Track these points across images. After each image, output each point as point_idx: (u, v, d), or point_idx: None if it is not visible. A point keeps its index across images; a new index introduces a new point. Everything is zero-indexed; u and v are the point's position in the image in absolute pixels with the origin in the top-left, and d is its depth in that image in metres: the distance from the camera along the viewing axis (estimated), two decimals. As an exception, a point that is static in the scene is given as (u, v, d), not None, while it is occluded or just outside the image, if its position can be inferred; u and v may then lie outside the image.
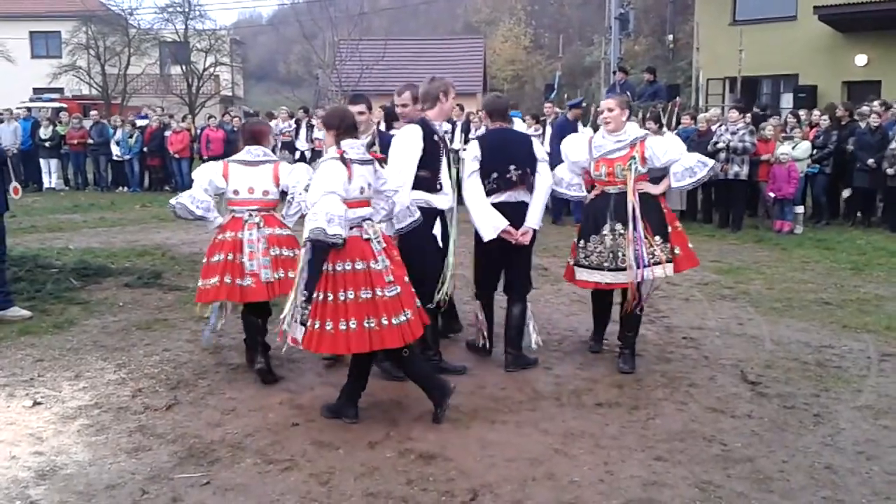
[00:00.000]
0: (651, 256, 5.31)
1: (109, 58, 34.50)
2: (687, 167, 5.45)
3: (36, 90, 32.92)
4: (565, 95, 19.67)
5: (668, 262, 5.35)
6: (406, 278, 4.51)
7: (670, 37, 30.31)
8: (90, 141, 18.52)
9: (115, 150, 18.33)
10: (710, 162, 5.57)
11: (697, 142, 12.56)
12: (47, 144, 18.33)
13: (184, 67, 34.49)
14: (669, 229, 5.42)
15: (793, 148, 12.02)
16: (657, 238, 5.35)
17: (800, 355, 5.91)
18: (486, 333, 5.78)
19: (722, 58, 19.30)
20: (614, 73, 18.10)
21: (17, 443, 4.31)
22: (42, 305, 7.13)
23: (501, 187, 5.42)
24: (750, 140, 11.94)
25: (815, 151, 12.45)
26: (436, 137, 5.23)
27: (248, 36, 50.10)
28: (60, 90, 33.82)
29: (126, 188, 18.42)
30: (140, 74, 34.73)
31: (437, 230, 5.26)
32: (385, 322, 4.30)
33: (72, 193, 18.08)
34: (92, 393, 5.08)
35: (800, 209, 12.23)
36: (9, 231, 6.98)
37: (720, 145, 12.02)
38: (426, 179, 5.15)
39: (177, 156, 17.71)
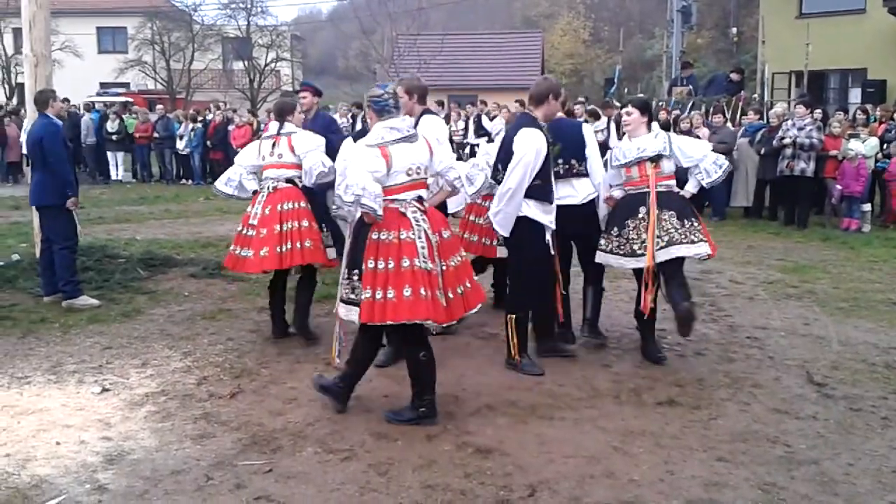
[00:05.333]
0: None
1: (174, 53, 35.29)
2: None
3: (102, 84, 33.79)
4: (625, 90, 19.44)
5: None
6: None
7: (734, 30, 29.68)
8: (156, 135, 18.97)
9: (180, 144, 18.74)
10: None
11: (767, 137, 12.31)
12: (114, 138, 18.83)
13: (246, 63, 35.03)
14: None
15: (861, 144, 11.68)
16: None
17: (867, 357, 5.75)
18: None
19: (788, 51, 18.81)
20: (683, 67, 17.75)
21: (87, 428, 4.45)
22: (110, 294, 7.33)
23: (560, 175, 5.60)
24: (817, 136, 11.64)
25: (885, 146, 12.07)
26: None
27: (307, 31, 50.64)
28: (126, 85, 34.67)
29: (191, 181, 18.81)
30: (203, 69, 35.42)
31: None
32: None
33: (138, 186, 18.52)
34: (158, 380, 5.22)
35: (867, 207, 11.87)
36: (78, 222, 7.18)
37: (787, 141, 11.74)
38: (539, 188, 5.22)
39: (240, 150, 17.96)
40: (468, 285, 4.53)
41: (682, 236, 5.39)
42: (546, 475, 3.88)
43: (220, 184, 6.14)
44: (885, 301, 7.39)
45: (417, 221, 4.28)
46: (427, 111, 5.84)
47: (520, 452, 4.14)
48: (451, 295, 4.37)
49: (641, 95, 11.86)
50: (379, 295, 4.19)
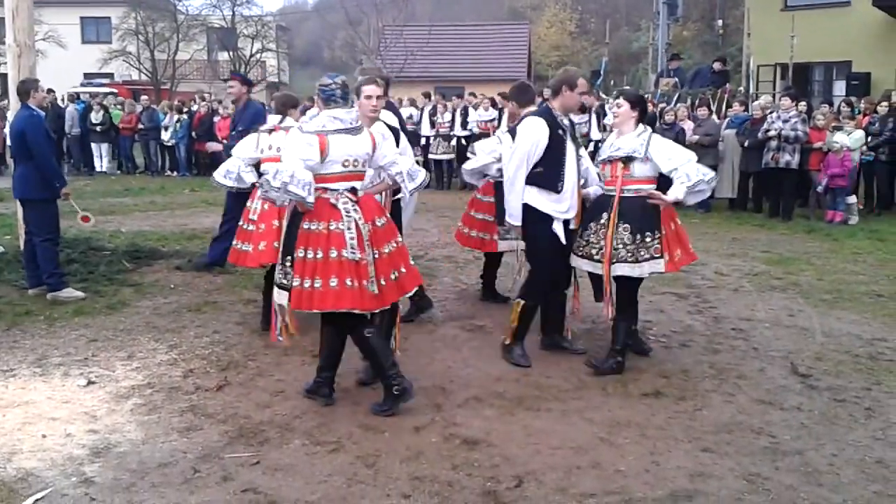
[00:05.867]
0: None
1: (158, 43, 35.06)
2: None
3: (86, 75, 33.53)
4: (612, 82, 19.47)
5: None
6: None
7: (720, 22, 29.79)
8: (140, 126, 18.83)
9: (165, 135, 18.63)
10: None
11: (751, 129, 12.37)
12: (98, 129, 18.67)
13: (231, 53, 34.87)
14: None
15: (847, 136, 11.74)
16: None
17: (851, 348, 5.80)
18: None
19: (773, 44, 18.86)
20: (670, 59, 17.79)
21: (73, 421, 4.43)
22: (95, 287, 7.29)
23: None
24: (802, 128, 11.71)
25: (869, 139, 12.15)
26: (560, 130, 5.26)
27: (293, 22, 50.36)
28: (111, 75, 34.41)
29: (176, 173, 18.70)
30: (188, 60, 35.21)
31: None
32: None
33: (123, 177, 18.39)
34: (144, 373, 5.20)
35: (852, 199, 11.94)
36: (62, 214, 7.13)
37: (772, 133, 11.80)
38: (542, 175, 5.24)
39: (225, 141, 17.84)
40: (403, 270, 4.57)
41: (629, 254, 5.05)
42: (533, 466, 3.91)
43: (219, 176, 6.14)
44: (869, 293, 7.45)
45: (348, 212, 4.33)
46: (386, 104, 5.82)
47: (507, 444, 4.16)
48: (383, 282, 4.42)
49: (628, 88, 11.84)
50: (307, 284, 4.30)
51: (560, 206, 5.27)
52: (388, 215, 4.72)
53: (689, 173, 5.04)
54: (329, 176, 4.35)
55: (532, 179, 5.22)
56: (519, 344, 5.45)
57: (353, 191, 4.44)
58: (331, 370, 4.72)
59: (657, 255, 5.06)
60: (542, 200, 5.23)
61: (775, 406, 4.70)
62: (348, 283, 4.26)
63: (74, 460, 3.95)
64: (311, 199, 4.23)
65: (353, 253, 4.28)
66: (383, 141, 4.65)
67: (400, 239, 4.67)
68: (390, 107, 5.92)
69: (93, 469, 3.86)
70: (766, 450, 4.11)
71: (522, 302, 5.40)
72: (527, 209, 5.26)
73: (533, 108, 5.89)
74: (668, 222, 5.14)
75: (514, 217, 5.31)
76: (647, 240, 5.06)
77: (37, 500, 3.57)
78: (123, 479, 3.76)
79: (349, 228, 4.29)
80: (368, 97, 4.86)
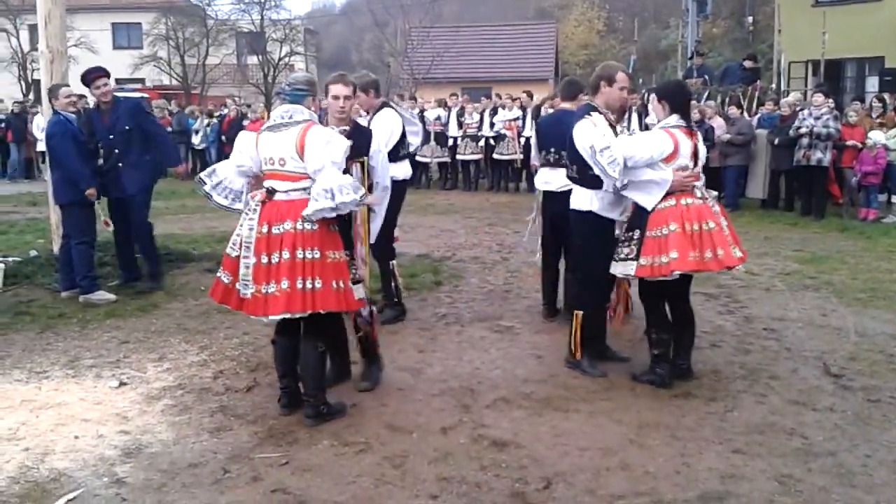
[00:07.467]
0: None
1: (188, 48, 35.36)
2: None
3: (118, 80, 33.92)
4: (640, 80, 19.34)
5: None
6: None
7: (750, 19, 29.49)
8: (169, 129, 19.01)
9: (195, 139, 18.80)
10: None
11: (780, 127, 12.23)
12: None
13: (260, 57, 35.13)
14: None
15: (883, 134, 11.54)
16: None
17: (885, 348, 5.71)
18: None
19: (804, 40, 18.67)
20: (690, 57, 17.64)
21: (105, 422, 4.48)
22: (127, 289, 7.37)
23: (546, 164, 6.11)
24: (834, 125, 11.54)
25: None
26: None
27: (321, 25, 50.66)
28: (142, 80, 34.82)
29: (206, 176, 18.86)
30: (218, 64, 35.52)
31: None
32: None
33: (153, 181, 18.55)
34: (175, 374, 5.25)
35: (897, 199, 11.77)
36: (104, 213, 7.25)
37: (803, 130, 11.65)
38: None
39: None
40: (272, 289, 4.13)
41: (615, 251, 4.98)
42: (561, 467, 3.89)
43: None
44: (904, 291, 7.33)
45: (248, 212, 4.35)
46: (385, 105, 6.09)
47: (535, 445, 4.14)
48: (252, 289, 4.22)
49: (662, 81, 11.54)
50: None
51: (618, 209, 5.12)
52: (303, 225, 4.17)
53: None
54: (263, 174, 4.41)
55: (590, 182, 4.96)
56: (587, 357, 5.24)
57: (271, 191, 4.28)
58: (284, 378, 4.56)
59: (630, 258, 4.81)
60: (602, 205, 5.04)
61: (808, 407, 4.64)
62: (222, 277, 4.43)
63: (106, 461, 4.00)
64: (236, 205, 4.53)
65: (232, 248, 4.37)
66: (323, 145, 4.18)
67: (305, 256, 4.14)
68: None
69: (124, 469, 3.90)
70: (799, 451, 4.06)
71: (581, 313, 5.21)
72: (585, 215, 5.07)
73: (568, 105, 5.87)
74: (673, 222, 4.64)
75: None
76: (624, 239, 4.92)
77: (69, 500, 3.62)
78: (154, 480, 3.80)
79: (240, 225, 4.37)
80: (335, 97, 4.72)
